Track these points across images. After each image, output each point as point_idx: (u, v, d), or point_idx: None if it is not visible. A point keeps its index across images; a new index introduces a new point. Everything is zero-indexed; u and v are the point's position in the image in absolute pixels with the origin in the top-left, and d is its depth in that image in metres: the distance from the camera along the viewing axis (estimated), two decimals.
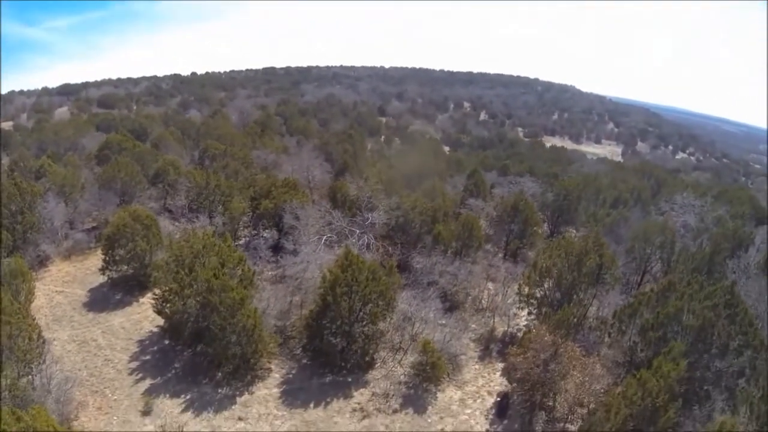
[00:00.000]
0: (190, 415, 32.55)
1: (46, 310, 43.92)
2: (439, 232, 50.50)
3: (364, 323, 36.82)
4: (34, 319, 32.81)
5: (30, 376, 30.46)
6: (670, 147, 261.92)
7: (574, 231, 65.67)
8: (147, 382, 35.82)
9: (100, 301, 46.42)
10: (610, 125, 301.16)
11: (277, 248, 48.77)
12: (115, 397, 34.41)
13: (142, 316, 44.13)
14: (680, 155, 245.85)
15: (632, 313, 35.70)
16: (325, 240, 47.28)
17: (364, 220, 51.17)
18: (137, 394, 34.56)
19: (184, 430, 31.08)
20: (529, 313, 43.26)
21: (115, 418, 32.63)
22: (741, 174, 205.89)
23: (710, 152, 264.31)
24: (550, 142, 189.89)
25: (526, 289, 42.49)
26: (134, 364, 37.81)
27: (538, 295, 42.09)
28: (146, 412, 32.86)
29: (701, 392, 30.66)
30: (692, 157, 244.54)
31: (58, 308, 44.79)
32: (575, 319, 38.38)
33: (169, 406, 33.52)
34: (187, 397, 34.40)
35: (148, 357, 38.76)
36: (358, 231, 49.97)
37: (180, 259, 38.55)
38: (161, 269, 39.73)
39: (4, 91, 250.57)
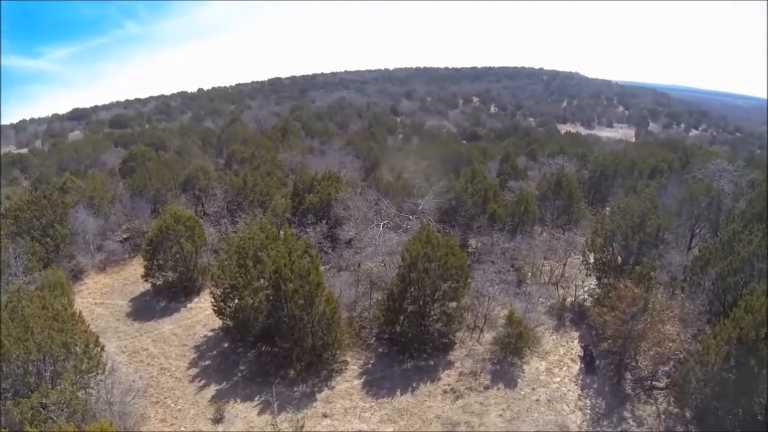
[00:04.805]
0: (267, 417, 29.84)
1: (89, 323, 41.29)
2: (495, 211, 49.24)
3: (444, 301, 34.97)
4: (88, 326, 30.06)
5: (88, 389, 27.82)
6: (683, 125, 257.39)
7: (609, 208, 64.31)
8: (212, 389, 33.20)
9: (145, 310, 44.04)
10: (620, 108, 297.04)
11: (330, 240, 46.27)
12: (179, 407, 31.78)
13: (193, 321, 41.66)
14: (693, 132, 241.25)
15: (704, 264, 35.84)
16: (384, 226, 44.79)
17: (416, 205, 48.78)
18: (204, 402, 31.94)
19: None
20: (598, 278, 42.69)
21: (182, 428, 29.98)
22: (756, 147, 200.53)
23: (723, 127, 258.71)
24: (562, 129, 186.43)
25: (591, 256, 42.65)
26: (194, 371, 35.19)
27: (605, 260, 42.00)
28: (218, 420, 30.18)
29: None
30: (706, 133, 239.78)
31: (100, 320, 42.32)
32: (652, 273, 37.25)
33: (242, 411, 30.86)
34: (261, 398, 31.72)
35: (208, 362, 36.12)
36: (411, 217, 47.49)
37: (243, 251, 35.95)
38: (220, 265, 36.99)
39: (14, 121, 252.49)
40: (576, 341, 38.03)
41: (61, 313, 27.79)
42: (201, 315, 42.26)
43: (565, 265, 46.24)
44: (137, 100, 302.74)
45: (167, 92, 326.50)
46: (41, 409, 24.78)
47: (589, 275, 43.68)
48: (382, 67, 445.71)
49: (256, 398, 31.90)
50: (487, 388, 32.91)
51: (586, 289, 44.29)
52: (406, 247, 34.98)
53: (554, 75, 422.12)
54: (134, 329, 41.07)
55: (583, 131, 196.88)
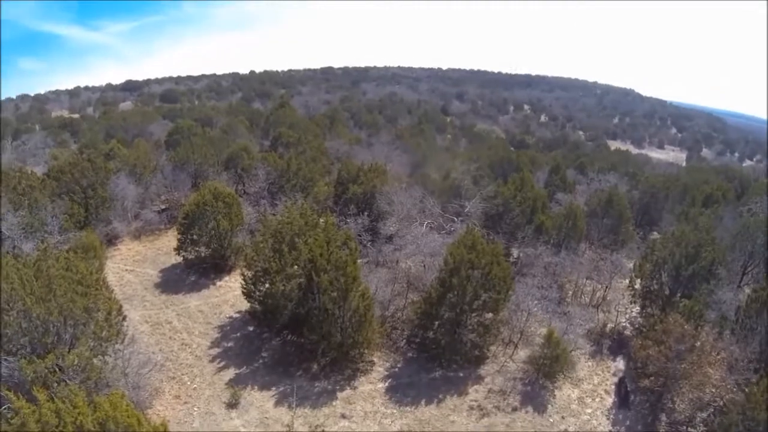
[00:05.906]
0: (283, 410, 28.54)
1: (116, 289, 39.64)
2: (542, 222, 46.94)
3: (482, 312, 33.01)
4: (112, 292, 29.14)
5: (104, 356, 26.85)
6: (737, 154, 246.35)
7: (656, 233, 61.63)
8: (231, 371, 32.06)
9: (174, 282, 43.22)
10: (673, 130, 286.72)
11: (371, 234, 44.91)
12: (195, 386, 30.74)
13: (221, 300, 40.62)
14: (747, 163, 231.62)
15: (761, 307, 32.49)
16: (427, 225, 43.21)
17: (462, 207, 46.93)
18: (220, 384, 30.81)
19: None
20: (642, 307, 40.18)
21: (196, 408, 28.88)
22: None
23: None
24: (612, 145, 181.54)
25: (638, 282, 40.00)
26: (215, 351, 34.10)
27: (653, 288, 39.58)
28: (232, 405, 28.98)
29: None
30: (761, 165, 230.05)
31: (128, 287, 41.81)
32: (703, 310, 34.83)
33: (259, 399, 29.62)
34: (279, 389, 30.41)
35: (230, 344, 34.98)
36: (456, 219, 45.75)
37: (280, 235, 34.65)
38: (254, 247, 35.86)
39: (69, 87, 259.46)
40: (612, 372, 35.75)
41: (87, 277, 26.74)
42: (229, 295, 41.20)
43: (608, 287, 43.62)
44: (189, 77, 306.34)
45: (219, 72, 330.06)
46: (56, 370, 23.99)
47: (634, 302, 41.09)
48: (435, 66, 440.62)
49: (274, 388, 30.60)
50: (515, 409, 30.95)
51: (627, 316, 41.76)
52: (450, 251, 33.17)
53: (608, 90, 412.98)
54: (161, 300, 40.35)
55: (633, 150, 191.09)
